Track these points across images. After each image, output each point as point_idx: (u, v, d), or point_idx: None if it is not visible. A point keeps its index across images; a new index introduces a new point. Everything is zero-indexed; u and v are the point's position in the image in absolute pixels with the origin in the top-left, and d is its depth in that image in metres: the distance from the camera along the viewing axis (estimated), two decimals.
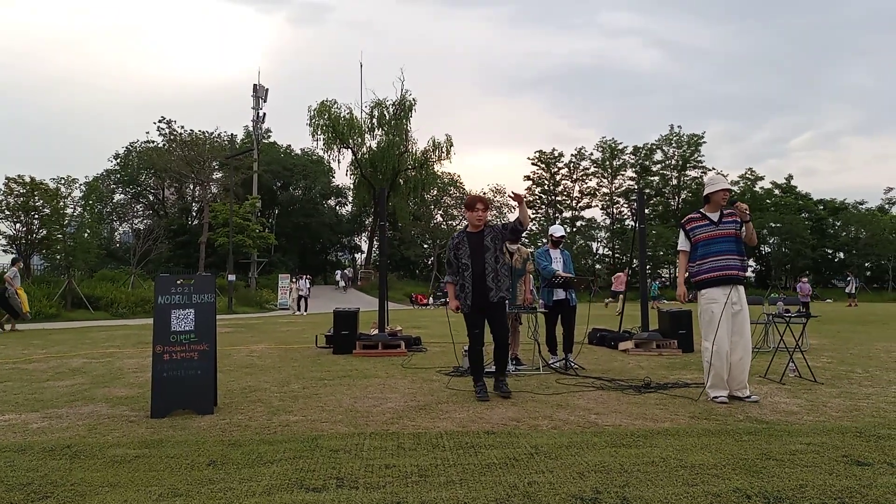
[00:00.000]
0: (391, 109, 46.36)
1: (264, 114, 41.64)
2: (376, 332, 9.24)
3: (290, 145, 56.82)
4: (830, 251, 59.48)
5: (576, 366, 7.44)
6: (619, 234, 58.51)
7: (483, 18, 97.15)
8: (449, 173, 55.90)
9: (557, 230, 7.86)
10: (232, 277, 27.76)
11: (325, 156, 47.12)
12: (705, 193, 5.66)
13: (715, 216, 5.53)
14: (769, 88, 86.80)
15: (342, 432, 4.29)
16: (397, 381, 6.59)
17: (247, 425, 4.53)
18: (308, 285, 25.26)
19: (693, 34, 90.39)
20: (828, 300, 42.85)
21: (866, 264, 57.17)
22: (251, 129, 44.09)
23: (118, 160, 48.40)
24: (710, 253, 5.45)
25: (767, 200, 58.67)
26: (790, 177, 61.48)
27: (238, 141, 47.90)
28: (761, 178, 61.02)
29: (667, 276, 56.03)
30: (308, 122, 44.13)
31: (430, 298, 36.76)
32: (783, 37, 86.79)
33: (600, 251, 62.31)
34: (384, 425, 4.49)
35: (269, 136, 52.91)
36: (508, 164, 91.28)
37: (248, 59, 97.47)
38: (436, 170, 48.90)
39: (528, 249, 7.78)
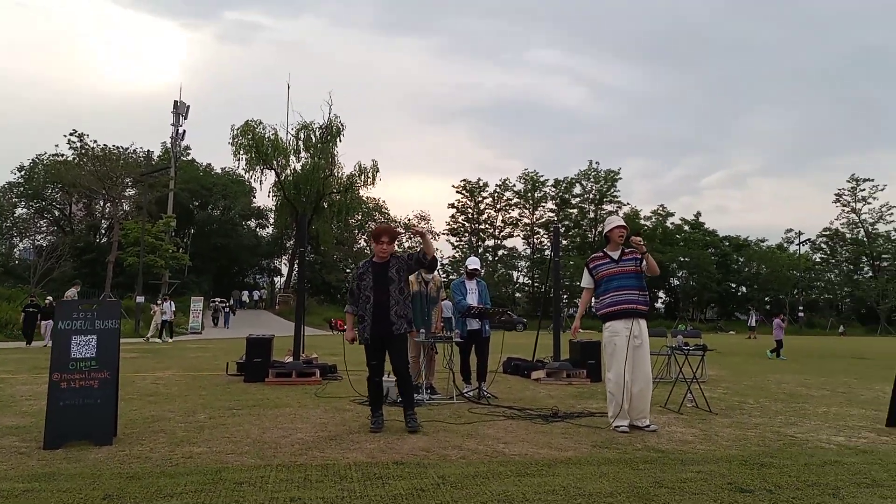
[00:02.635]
0: (318, 132, 46.05)
1: (184, 131, 40.57)
2: (290, 359, 9.09)
3: (210, 164, 55.45)
4: (734, 285, 62.93)
5: (488, 395, 7.58)
6: (538, 263, 59.87)
7: (415, 48, 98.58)
8: (374, 198, 55.97)
9: (473, 262, 8.04)
10: (140, 299, 26.57)
11: (247, 176, 46.16)
12: (604, 233, 5.99)
13: (616, 254, 5.85)
14: (684, 129, 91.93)
15: (248, 464, 4.21)
16: (309, 410, 6.51)
17: (147, 457, 4.37)
18: (172, 308, 23.95)
19: (615, 75, 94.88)
20: (731, 332, 45.19)
21: (766, 298, 60.83)
22: (169, 145, 42.74)
23: (22, 172, 45.71)
24: (612, 288, 5.75)
25: (677, 235, 61.64)
26: (699, 213, 64.91)
27: (155, 157, 46.26)
28: (672, 215, 64.11)
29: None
30: (230, 140, 43.21)
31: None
32: (698, 82, 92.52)
33: (521, 280, 63.62)
34: (292, 457, 4.44)
35: (188, 154, 51.45)
36: (434, 191, 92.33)
37: (169, 75, 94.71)
38: (361, 195, 48.86)
39: (442, 278, 7.91)
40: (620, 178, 61.74)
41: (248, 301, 47.60)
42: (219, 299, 36.77)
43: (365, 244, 57.99)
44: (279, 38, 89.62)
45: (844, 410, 7.05)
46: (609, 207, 61.54)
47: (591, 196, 62.32)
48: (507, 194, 62.52)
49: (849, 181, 59.95)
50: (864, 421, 6.32)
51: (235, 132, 43.08)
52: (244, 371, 9.07)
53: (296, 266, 42.93)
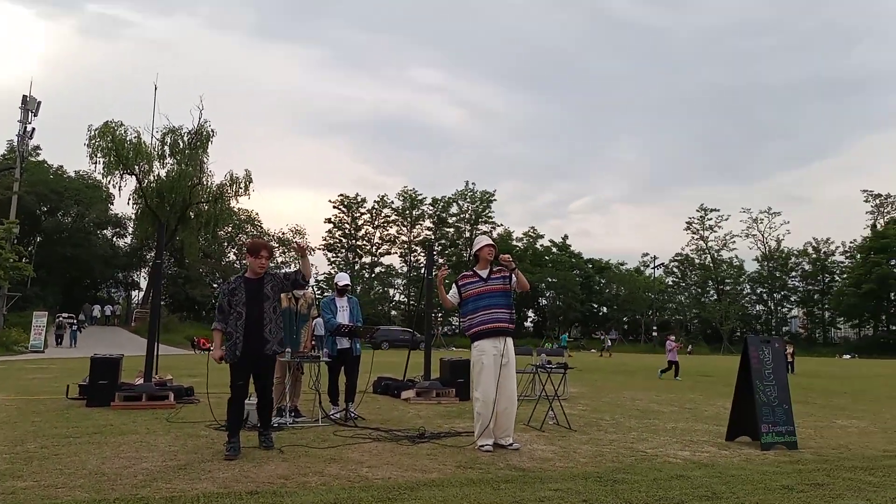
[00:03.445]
0: (186, 138, 43.73)
1: (33, 128, 36.85)
2: (141, 381, 8.42)
3: (62, 166, 50.94)
4: (596, 305, 66.59)
5: (356, 416, 7.40)
6: (415, 281, 60.22)
7: (294, 57, 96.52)
8: (246, 210, 53.85)
9: (342, 278, 7.87)
10: None
11: (105, 181, 42.78)
12: (473, 252, 6.08)
13: (484, 273, 5.94)
14: (556, 155, 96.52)
15: (80, 499, 3.79)
16: (158, 437, 6.02)
17: None
18: None
19: (492, 98, 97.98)
20: (592, 350, 47.66)
21: (624, 318, 64.88)
22: (15, 143, 38.81)
23: None
24: (480, 307, 5.82)
25: (546, 257, 64.41)
26: (566, 236, 68.21)
27: None
28: (542, 237, 66.94)
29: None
30: (87, 142, 39.99)
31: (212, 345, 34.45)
32: (570, 110, 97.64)
33: (397, 297, 63.65)
34: (132, 489, 4.05)
35: (37, 154, 46.96)
36: (311, 205, 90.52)
37: (18, 67, 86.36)
38: (232, 205, 46.76)
39: (316, 294, 7.66)
40: (495, 200, 63.79)
41: (98, 316, 44.03)
42: (65, 315, 33.65)
43: (235, 258, 55.64)
44: (147, 36, 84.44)
45: (690, 426, 7.55)
46: (484, 227, 63.25)
47: (468, 216, 63.79)
48: (386, 211, 62.62)
49: (698, 210, 65.65)
50: (707, 436, 6.78)
51: (93, 133, 39.93)
52: (87, 394, 8.28)
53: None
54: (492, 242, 6.06)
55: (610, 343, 39.70)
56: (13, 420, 6.95)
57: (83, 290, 51.05)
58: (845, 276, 60.63)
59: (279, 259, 56.12)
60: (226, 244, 55.61)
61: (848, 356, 49.46)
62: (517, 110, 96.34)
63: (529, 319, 65.36)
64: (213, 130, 44.26)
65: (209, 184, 44.28)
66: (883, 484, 4.59)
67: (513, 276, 5.91)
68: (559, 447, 5.84)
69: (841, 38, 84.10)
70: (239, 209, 50.54)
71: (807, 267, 64.41)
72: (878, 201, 61.97)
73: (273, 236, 55.13)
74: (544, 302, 64.04)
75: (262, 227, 55.73)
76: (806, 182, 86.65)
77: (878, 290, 54.63)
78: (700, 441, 6.41)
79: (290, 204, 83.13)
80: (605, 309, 66.74)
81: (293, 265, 54.57)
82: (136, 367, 10.80)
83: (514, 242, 63.06)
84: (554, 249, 66.34)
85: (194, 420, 7.13)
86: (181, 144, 43.52)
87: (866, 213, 62.81)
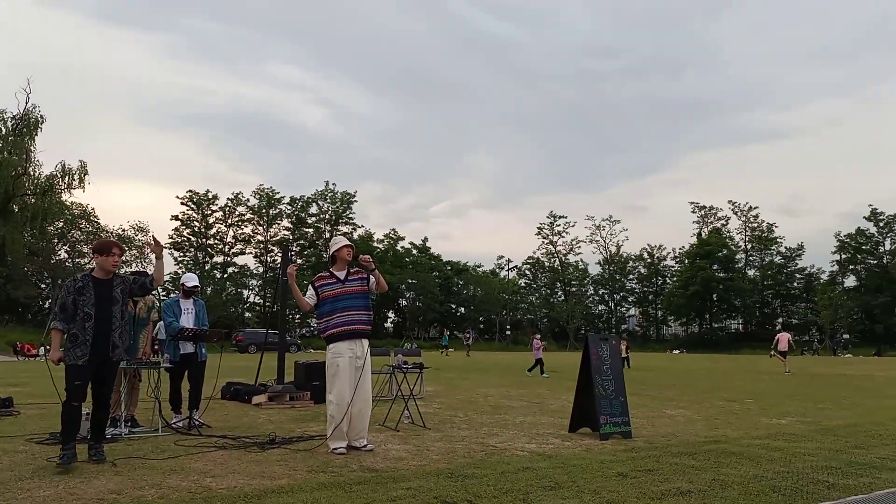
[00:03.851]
0: (10, 123, 39.24)
1: None
2: None
3: None
4: (454, 306, 68.22)
5: (200, 424, 6.99)
6: (271, 282, 58.30)
7: (138, 42, 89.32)
8: (81, 204, 49.19)
9: (191, 279, 7.41)
10: None
11: None
12: (330, 253, 5.98)
13: (342, 274, 5.86)
14: (416, 159, 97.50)
15: None
16: None
17: None
18: None
19: (354, 100, 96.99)
20: (451, 350, 48.66)
21: (480, 318, 67.04)
22: None
23: None
24: (338, 309, 5.73)
25: (406, 259, 65.00)
26: (426, 239, 69.23)
27: None
28: (402, 239, 67.44)
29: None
30: None
31: (42, 349, 31.15)
32: (430, 117, 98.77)
33: (252, 299, 61.26)
34: None
35: None
36: (156, 201, 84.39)
37: None
38: (64, 199, 42.58)
39: (153, 297, 7.13)
40: (356, 201, 63.30)
41: None
42: None
43: (67, 255, 50.78)
44: None
45: (537, 419, 7.92)
46: (345, 228, 62.56)
47: (328, 216, 62.79)
48: (240, 209, 60.01)
49: (548, 217, 69.46)
50: (552, 428, 7.15)
51: None
52: None
53: None
54: (350, 243, 5.98)
55: (471, 342, 40.21)
56: None
57: None
58: (675, 278, 66.93)
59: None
60: (56, 241, 50.58)
61: (677, 351, 54.59)
62: (379, 113, 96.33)
63: (389, 320, 65.60)
64: (42, 116, 40.06)
65: (37, 174, 40.08)
66: (703, 467, 5.08)
67: (371, 277, 5.88)
68: (413, 446, 5.88)
69: (672, 64, 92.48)
70: (72, 203, 46.13)
71: (642, 270, 70.32)
72: (703, 212, 68.92)
73: (112, 233, 50.90)
74: (404, 303, 64.58)
75: (98, 223, 51.27)
76: (642, 193, 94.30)
77: (703, 291, 60.94)
78: (546, 434, 6.74)
79: (133, 199, 77.17)
80: (462, 309, 68.51)
81: (135, 265, 50.84)
82: None
83: (375, 244, 63.01)
84: (414, 251, 67.08)
85: (12, 434, 6.38)
86: (3, 130, 39.00)
87: (693, 222, 69.70)
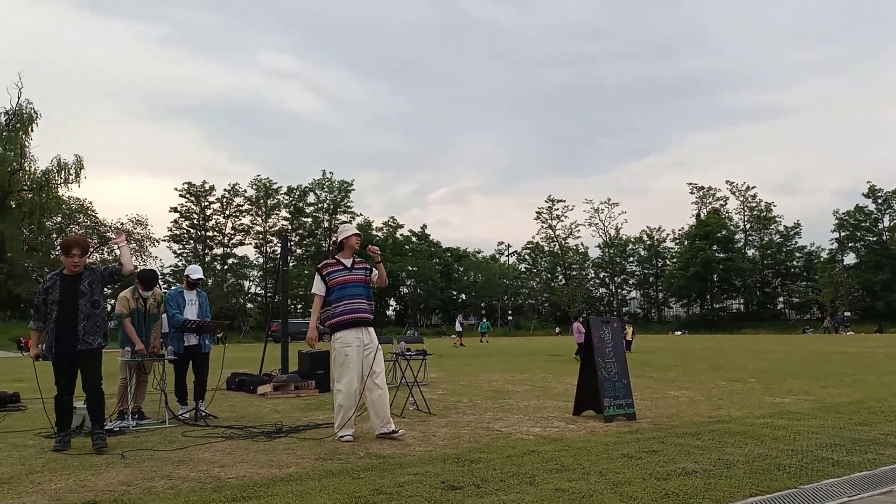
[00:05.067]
0: (3, 119, 39.12)
1: None
2: None
3: None
4: (455, 292, 68.35)
5: (207, 414, 7.03)
6: (271, 273, 58.33)
7: (130, 33, 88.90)
8: (78, 198, 49.18)
9: (195, 271, 7.43)
10: None
11: None
12: (339, 240, 5.95)
13: (348, 262, 5.84)
14: (414, 146, 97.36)
15: None
16: None
17: None
18: None
19: (349, 87, 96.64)
20: (453, 336, 48.71)
21: (482, 304, 67.13)
22: None
23: None
24: (345, 297, 5.69)
25: (406, 246, 65.05)
26: (425, 226, 69.24)
27: None
28: (401, 226, 67.42)
29: None
30: None
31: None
32: (426, 103, 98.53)
33: (252, 290, 61.35)
34: None
35: None
36: (153, 193, 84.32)
37: None
38: (61, 193, 42.56)
39: (161, 293, 7.16)
40: (354, 190, 63.20)
41: None
42: None
43: None
44: None
45: (541, 403, 7.97)
46: (343, 217, 62.51)
47: (326, 206, 62.71)
48: (238, 200, 59.92)
49: (546, 201, 69.27)
50: (556, 412, 7.19)
51: None
52: None
53: None
54: (358, 232, 5.96)
55: (461, 329, 36.02)
56: None
57: None
58: (675, 260, 66.91)
59: (117, 251, 51.94)
60: (55, 236, 50.52)
61: (679, 332, 54.68)
62: (375, 100, 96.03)
63: (391, 308, 65.73)
64: (36, 112, 39.94)
65: (33, 170, 40.08)
66: (708, 447, 5.11)
67: (374, 269, 5.85)
68: (419, 432, 5.92)
69: (665, 43, 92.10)
70: (69, 198, 46.17)
71: (642, 252, 70.30)
72: (701, 193, 68.83)
73: (110, 227, 50.85)
74: (405, 290, 64.67)
75: (96, 217, 51.20)
76: (640, 175, 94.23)
77: (703, 272, 60.95)
78: (550, 417, 6.78)
79: (130, 192, 77.11)
80: (463, 296, 68.63)
81: (134, 258, 50.77)
82: None
83: (375, 232, 62.98)
84: (414, 239, 67.11)
85: (20, 429, 6.43)
86: None
87: (692, 203, 69.62)
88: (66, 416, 5.44)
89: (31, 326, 5.56)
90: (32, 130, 40.10)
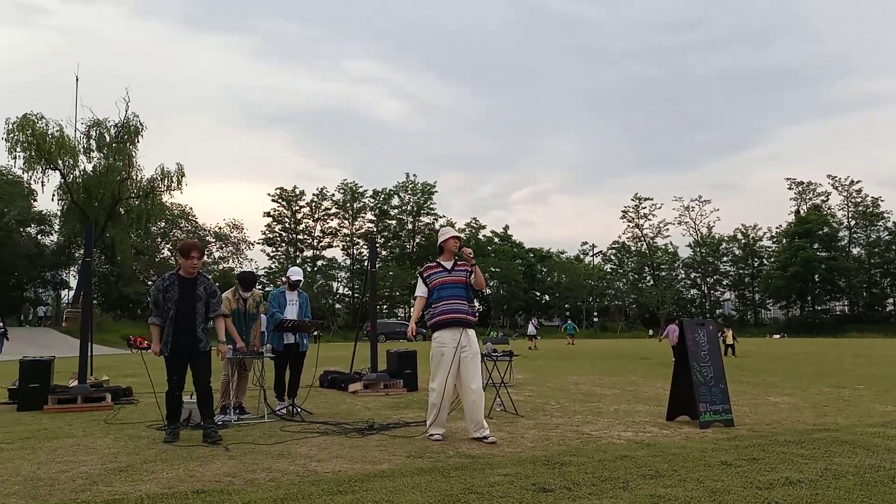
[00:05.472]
0: (113, 131, 41.98)
1: None
2: (75, 383, 8.08)
3: None
4: (538, 293, 67.72)
5: (301, 410, 7.31)
6: (358, 274, 59.80)
7: (225, 47, 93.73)
8: (180, 205, 52.20)
9: (295, 273, 7.74)
10: None
11: (26, 177, 40.69)
12: (438, 243, 6.01)
13: (449, 264, 5.87)
14: (495, 147, 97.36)
15: None
16: (97, 440, 5.81)
17: None
18: None
19: (430, 90, 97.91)
20: (537, 337, 48.30)
21: (566, 305, 66.22)
22: None
23: None
24: (443, 297, 5.73)
25: (489, 247, 65.05)
26: (507, 227, 68.99)
27: None
28: (483, 227, 67.51)
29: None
30: (5, 136, 37.91)
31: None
32: (507, 103, 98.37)
33: (340, 290, 63.11)
34: (72, 494, 3.90)
35: None
36: (248, 198, 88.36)
37: None
38: (164, 200, 45.25)
39: (259, 293, 7.51)
40: (436, 192, 63.88)
41: (43, 316, 42.18)
42: None
43: (170, 254, 53.91)
44: (65, 24, 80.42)
45: (632, 407, 7.78)
46: (426, 219, 63.35)
47: (409, 208, 63.71)
48: (326, 204, 61.84)
49: (633, 200, 67.53)
50: (648, 416, 7.00)
51: (11, 126, 37.89)
52: (17, 398, 7.90)
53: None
54: (457, 234, 5.98)
55: (535, 331, 34.10)
56: None
57: (7, 292, 48.49)
58: (772, 259, 63.57)
59: (216, 254, 54.77)
60: (159, 240, 53.84)
61: (778, 336, 51.97)
62: (456, 102, 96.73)
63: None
64: (142, 123, 42.67)
65: (139, 178, 42.79)
66: (814, 456, 4.85)
67: (472, 271, 5.85)
68: (507, 433, 5.92)
69: (756, 36, 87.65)
70: (172, 204, 48.97)
71: (737, 252, 67.19)
72: (800, 188, 65.13)
73: (209, 231, 53.68)
74: (488, 291, 64.65)
75: (196, 222, 54.17)
76: (733, 170, 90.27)
77: (804, 272, 57.55)
78: (642, 422, 6.61)
79: (227, 198, 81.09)
80: (547, 297, 67.91)
81: (231, 260, 53.47)
82: (68, 369, 10.38)
83: (435, 234, 63.34)
84: (496, 240, 67.02)
85: (134, 421, 6.91)
86: (107, 138, 41.76)
87: (790, 199, 65.98)
88: (177, 410, 5.80)
89: (152, 321, 5.73)
90: (139, 141, 42.87)
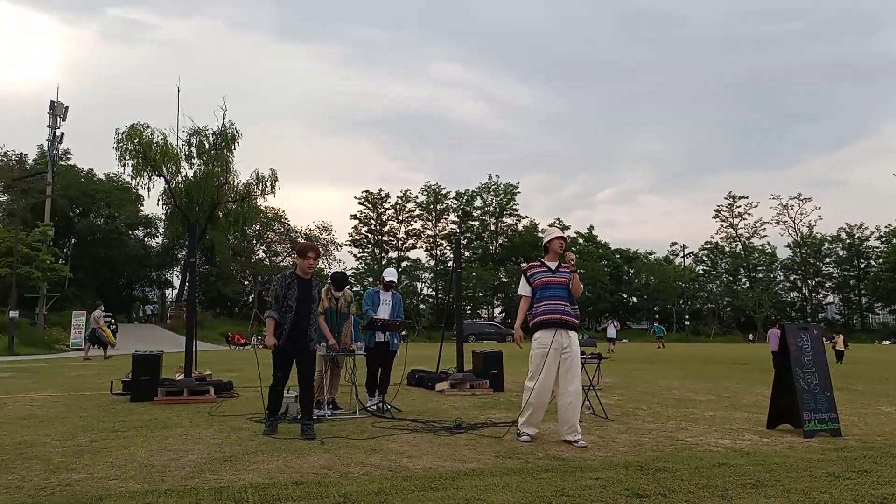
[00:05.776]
0: (211, 139, 44.36)
1: (62, 133, 37.62)
2: (181, 377, 8.60)
3: (92, 169, 52.06)
4: (625, 295, 66.02)
5: (391, 407, 7.47)
6: (442, 275, 60.34)
7: (314, 55, 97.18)
8: (273, 208, 54.49)
9: (390, 274, 7.94)
10: (14, 314, 24.44)
11: (134, 183, 43.68)
12: (543, 243, 5.94)
13: (553, 264, 5.79)
14: (579, 146, 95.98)
15: (132, 490, 3.90)
16: (202, 430, 6.16)
17: (19, 486, 3.95)
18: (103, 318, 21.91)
19: (513, 91, 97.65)
20: (623, 340, 47.23)
21: (655, 308, 64.22)
22: (46, 148, 39.74)
23: None
24: (545, 297, 5.66)
25: (573, 248, 64.05)
26: (591, 227, 67.76)
27: (29, 161, 42.99)
28: (567, 228, 66.51)
29: (483, 315, 58.29)
30: (115, 145, 40.79)
31: (254, 339, 34.83)
32: (591, 102, 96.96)
33: (424, 291, 63.89)
34: (182, 480, 4.15)
35: (67, 158, 48.04)
36: (336, 202, 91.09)
37: (46, 73, 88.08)
38: (259, 204, 47.40)
39: (350, 293, 7.74)
40: (519, 192, 63.53)
41: (150, 314, 45.27)
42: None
43: (264, 255, 56.27)
44: (168, 39, 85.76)
45: (729, 414, 7.47)
46: (509, 220, 63.10)
47: (492, 209, 63.66)
48: (409, 206, 62.77)
49: (726, 198, 64.71)
50: (747, 424, 6.71)
51: (120, 136, 40.80)
52: (130, 390, 8.49)
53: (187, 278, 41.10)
54: (562, 235, 5.89)
55: (615, 334, 32.18)
56: (62, 416, 7.15)
57: (118, 291, 52.11)
58: (881, 260, 59.24)
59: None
60: (255, 242, 56.31)
61: (888, 342, 48.41)
62: (539, 103, 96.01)
63: None
64: (238, 131, 44.84)
65: (236, 183, 44.98)
66: None
67: (571, 277, 5.75)
68: (597, 437, 5.83)
69: (863, 23, 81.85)
70: (266, 207, 51.20)
71: (841, 252, 63.13)
72: None
73: (300, 233, 55.64)
74: None
75: (288, 225, 56.30)
76: (836, 166, 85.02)
77: None
78: (740, 429, 6.35)
79: (316, 201, 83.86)
80: (634, 299, 66.13)
81: (320, 261, 55.13)
82: (174, 363, 11.03)
83: (540, 234, 62.79)
84: (580, 240, 65.90)
85: (235, 413, 7.27)
86: (206, 145, 44.19)
87: None
88: (277, 404, 6.07)
89: (270, 315, 5.90)
90: (235, 148, 45.15)
